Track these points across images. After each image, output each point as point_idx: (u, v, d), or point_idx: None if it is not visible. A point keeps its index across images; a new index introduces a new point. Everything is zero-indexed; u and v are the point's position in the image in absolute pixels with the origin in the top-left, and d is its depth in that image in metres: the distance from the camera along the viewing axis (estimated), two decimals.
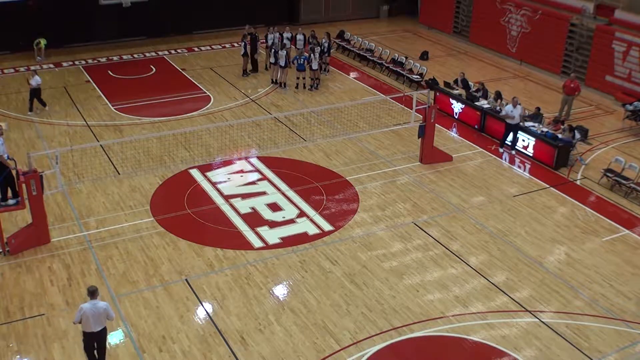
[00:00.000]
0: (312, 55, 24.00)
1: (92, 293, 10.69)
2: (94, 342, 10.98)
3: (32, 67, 24.89)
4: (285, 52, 24.15)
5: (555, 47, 26.33)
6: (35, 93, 21.54)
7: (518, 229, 15.95)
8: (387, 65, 26.62)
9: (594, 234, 15.89)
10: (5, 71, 25.90)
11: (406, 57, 26.64)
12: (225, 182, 17.71)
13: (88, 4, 27.96)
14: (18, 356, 11.64)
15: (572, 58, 25.87)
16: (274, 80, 24.81)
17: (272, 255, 14.66)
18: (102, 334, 10.94)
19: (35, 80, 21.31)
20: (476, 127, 21.35)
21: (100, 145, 18.99)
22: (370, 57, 27.53)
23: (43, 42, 26.90)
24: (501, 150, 19.86)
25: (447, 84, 23.12)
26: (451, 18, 31.66)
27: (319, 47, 24.43)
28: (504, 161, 19.44)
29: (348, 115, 21.79)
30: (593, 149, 20.23)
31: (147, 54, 28.40)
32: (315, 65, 24.05)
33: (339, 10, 34.13)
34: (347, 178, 17.99)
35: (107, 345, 11.73)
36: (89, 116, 21.77)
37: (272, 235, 15.37)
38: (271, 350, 11.89)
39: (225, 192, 17.13)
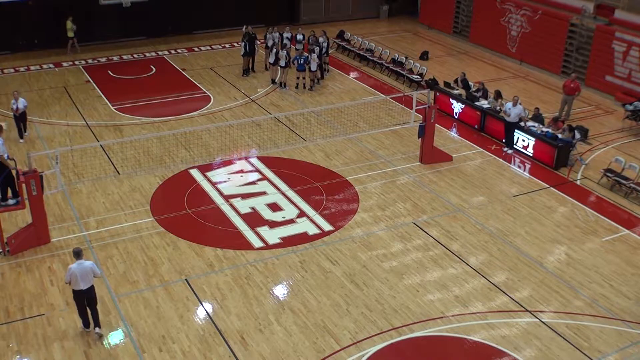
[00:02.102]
0: (311, 55, 23.99)
1: (77, 254, 11.57)
2: (85, 301, 11.75)
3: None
4: (285, 52, 24.15)
5: (555, 47, 26.32)
6: (23, 117, 19.45)
7: (518, 229, 15.94)
8: (387, 65, 26.60)
9: (594, 234, 15.88)
10: (5, 71, 25.90)
11: (406, 57, 26.63)
12: (225, 182, 17.71)
13: (88, 4, 27.96)
14: (18, 356, 11.64)
15: (572, 58, 25.87)
16: (274, 80, 24.81)
17: (272, 255, 14.65)
18: (91, 292, 11.72)
19: (22, 103, 19.25)
20: (476, 127, 21.35)
21: (100, 145, 18.99)
22: (370, 57, 27.51)
23: (70, 28, 26.72)
24: (510, 150, 19.84)
25: (447, 84, 23.11)
26: (451, 18, 31.65)
27: (318, 48, 24.40)
28: (504, 161, 19.44)
29: (348, 115, 21.78)
30: (593, 149, 20.22)
31: (147, 54, 28.40)
32: (314, 67, 24.03)
33: (339, 10, 34.13)
34: (347, 178, 17.98)
35: (108, 346, 11.80)
36: (89, 116, 21.77)
37: (272, 235, 15.37)
38: (271, 350, 11.89)
39: (225, 192, 17.13)
